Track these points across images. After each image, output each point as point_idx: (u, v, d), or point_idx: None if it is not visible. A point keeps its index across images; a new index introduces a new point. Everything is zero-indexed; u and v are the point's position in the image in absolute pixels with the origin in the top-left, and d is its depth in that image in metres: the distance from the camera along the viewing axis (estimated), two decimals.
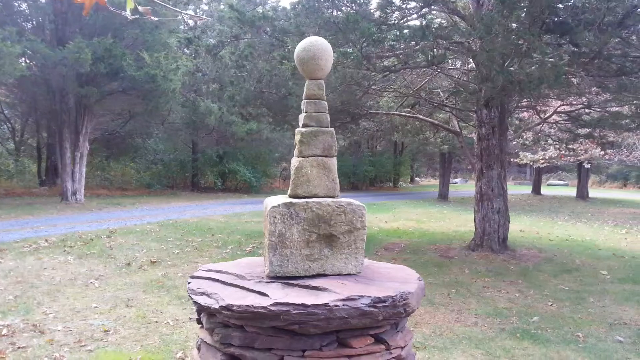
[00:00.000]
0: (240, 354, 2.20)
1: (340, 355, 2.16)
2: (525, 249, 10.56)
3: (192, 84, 20.10)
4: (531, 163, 20.86)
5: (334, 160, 2.63)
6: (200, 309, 2.35)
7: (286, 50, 6.57)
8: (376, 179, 32.35)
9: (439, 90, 11.54)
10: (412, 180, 38.43)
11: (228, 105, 10.41)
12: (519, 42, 6.33)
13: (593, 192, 32.11)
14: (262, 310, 2.09)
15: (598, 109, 10.93)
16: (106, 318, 5.64)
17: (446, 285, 7.57)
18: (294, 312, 2.07)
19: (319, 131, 2.60)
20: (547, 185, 39.95)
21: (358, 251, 2.52)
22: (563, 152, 16.16)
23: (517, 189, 36.83)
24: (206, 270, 2.69)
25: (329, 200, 2.52)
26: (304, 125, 2.63)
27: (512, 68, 6.17)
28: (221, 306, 2.16)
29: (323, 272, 2.49)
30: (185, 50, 16.73)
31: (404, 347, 2.35)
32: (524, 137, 13.19)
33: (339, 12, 6.41)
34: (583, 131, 12.52)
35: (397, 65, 6.75)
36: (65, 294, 6.44)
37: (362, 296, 2.16)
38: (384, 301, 2.16)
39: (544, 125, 12.11)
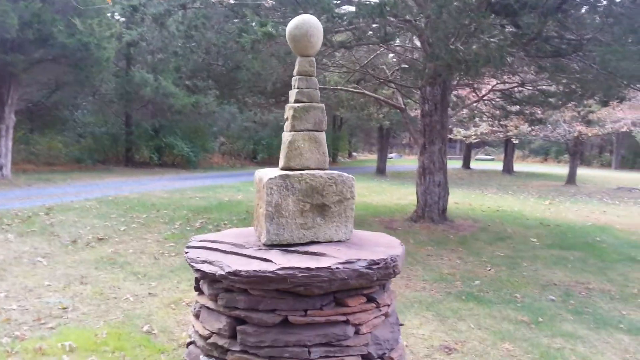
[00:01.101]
0: (246, 316, 2.35)
1: (338, 313, 2.36)
2: (461, 220, 11.26)
3: (130, 54, 19.19)
4: (464, 138, 21.89)
5: (324, 134, 2.78)
6: (204, 276, 2.45)
7: (245, 22, 6.53)
8: None
9: (384, 67, 11.84)
10: (350, 155, 39.12)
11: (174, 76, 10.14)
12: (466, 22, 6.68)
13: (517, 167, 34.23)
14: (269, 274, 2.24)
15: (530, 88, 11.70)
16: (62, 296, 5.52)
17: None
18: (300, 274, 2.24)
19: (311, 107, 2.74)
20: (475, 159, 42.02)
21: (348, 219, 2.71)
22: (495, 128, 17.17)
23: (448, 164, 38.44)
24: (200, 241, 2.78)
25: (322, 172, 2.67)
26: (296, 101, 2.75)
27: (460, 47, 6.50)
28: (228, 272, 2.28)
29: (316, 240, 2.67)
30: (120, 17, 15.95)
31: (390, 305, 2.58)
32: (460, 113, 13.85)
33: None
34: (514, 108, 13.36)
35: (352, 42, 6.90)
36: (12, 272, 6.21)
37: (359, 259, 2.36)
38: (378, 263, 2.38)
39: (479, 102, 12.79)
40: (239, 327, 2.37)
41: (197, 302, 2.68)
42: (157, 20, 8.70)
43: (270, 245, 2.59)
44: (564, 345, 4.68)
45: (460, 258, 7.90)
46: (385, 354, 2.47)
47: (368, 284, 2.38)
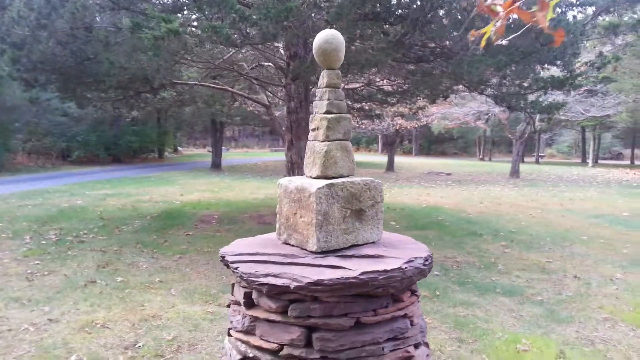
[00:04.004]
0: (323, 323, 2.40)
1: (398, 309, 2.58)
2: None
3: None
4: None
5: (350, 143, 2.93)
6: (270, 289, 2.42)
7: (139, 17, 6.02)
8: (140, 150, 30.64)
9: (243, 63, 11.86)
10: (175, 150, 37.65)
11: (10, 68, 8.67)
12: (353, 30, 7.22)
13: None
14: (353, 280, 2.35)
15: (374, 87, 12.94)
16: None
17: None
18: (380, 277, 2.39)
19: (341, 117, 2.86)
20: None
21: (379, 221, 2.93)
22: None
23: (275, 156, 39.69)
24: (236, 255, 2.69)
25: (358, 179, 2.83)
26: (328, 112, 2.84)
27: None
28: (308, 282, 2.32)
29: (355, 243, 2.83)
30: None
31: (419, 295, 2.89)
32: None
33: None
34: (357, 105, 14.60)
35: (245, 40, 6.87)
36: None
37: (416, 257, 2.62)
38: (427, 259, 2.66)
39: None
40: (316, 335, 2.42)
41: (246, 316, 2.61)
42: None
43: (321, 253, 2.67)
44: (466, 312, 5.55)
45: None
46: (425, 339, 2.78)
47: (421, 279, 2.65)
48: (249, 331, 2.58)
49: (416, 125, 20.43)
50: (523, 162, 25.82)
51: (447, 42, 7.71)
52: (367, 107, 14.59)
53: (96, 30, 8.07)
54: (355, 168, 2.96)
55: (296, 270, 2.45)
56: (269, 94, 12.93)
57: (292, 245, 2.84)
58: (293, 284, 2.37)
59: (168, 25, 5.45)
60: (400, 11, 7.38)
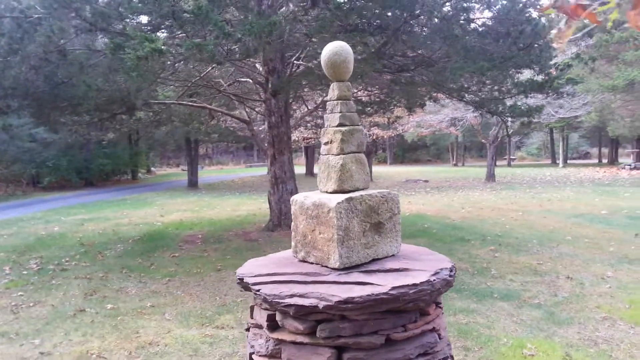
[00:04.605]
0: (354, 342, 2.32)
1: (426, 322, 2.53)
2: None
3: None
4: None
5: (364, 155, 2.88)
6: (297, 310, 2.33)
7: (120, 37, 5.88)
8: (113, 173, 30.02)
9: (220, 80, 11.76)
10: (149, 170, 37.00)
11: None
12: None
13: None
14: (384, 296, 2.28)
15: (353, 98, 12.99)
16: None
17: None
18: (411, 292, 2.33)
19: (354, 129, 2.81)
20: None
21: (397, 233, 2.87)
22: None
23: (251, 171, 39.43)
24: (255, 276, 2.59)
25: (375, 192, 2.78)
26: (341, 125, 2.79)
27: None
28: (338, 301, 2.24)
29: (376, 257, 2.76)
30: None
31: (442, 307, 2.84)
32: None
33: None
34: None
35: (228, 57, 6.80)
36: None
37: (442, 269, 2.57)
38: (451, 270, 2.62)
39: (309, 113, 13.69)
40: (347, 355, 2.33)
41: (269, 340, 2.50)
42: None
43: (344, 269, 2.60)
44: (467, 319, 5.53)
45: None
46: (451, 352, 2.72)
47: (447, 290, 2.60)
48: (274, 355, 2.48)
49: (392, 134, 20.58)
50: (496, 165, 26.26)
51: (427, 51, 7.80)
52: None
53: (72, 53, 7.88)
54: (369, 180, 2.92)
55: (322, 289, 2.37)
56: (248, 109, 12.84)
57: (311, 263, 2.76)
58: (322, 304, 2.28)
59: (152, 44, 5.34)
60: (379, 21, 7.43)
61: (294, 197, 2.87)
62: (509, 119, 12.42)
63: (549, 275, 7.12)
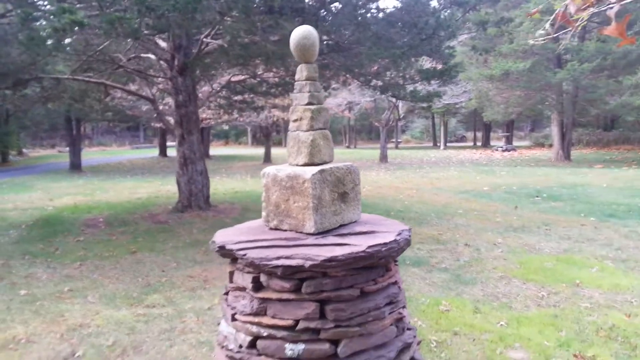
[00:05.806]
0: (335, 295, 2.62)
1: (390, 276, 2.90)
2: (220, 205, 11.88)
3: None
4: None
5: (329, 131, 3.14)
6: (285, 270, 2.56)
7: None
8: None
9: (118, 54, 11.15)
10: (20, 152, 33.66)
11: None
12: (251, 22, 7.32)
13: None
14: (362, 254, 2.60)
15: (258, 79, 13.05)
16: None
17: (192, 245, 8.13)
18: (383, 249, 2.68)
19: (322, 108, 3.06)
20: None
21: (358, 202, 3.19)
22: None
23: (138, 153, 37.55)
24: (236, 243, 2.76)
25: (341, 164, 3.06)
26: (309, 103, 3.02)
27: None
28: (323, 260, 2.51)
29: (342, 223, 3.07)
30: None
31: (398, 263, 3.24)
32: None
33: None
34: (238, 97, 14.58)
35: (148, 32, 6.58)
36: None
37: (403, 230, 2.95)
38: (409, 231, 3.01)
39: (214, 94, 13.50)
40: (329, 307, 2.63)
41: (254, 299, 2.70)
42: None
43: (319, 234, 2.86)
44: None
45: None
46: (405, 300, 3.14)
47: (406, 248, 2.98)
48: (258, 312, 2.69)
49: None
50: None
51: (339, 36, 8.19)
52: (249, 99, 14.67)
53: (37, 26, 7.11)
54: (333, 154, 3.20)
55: (305, 250, 2.63)
56: (149, 87, 12.36)
57: (285, 230, 2.99)
58: (308, 263, 2.55)
59: (72, 16, 5.05)
60: (296, 5, 7.65)
61: (265, 170, 3.07)
62: (411, 103, 13.34)
63: (449, 243, 7.98)
